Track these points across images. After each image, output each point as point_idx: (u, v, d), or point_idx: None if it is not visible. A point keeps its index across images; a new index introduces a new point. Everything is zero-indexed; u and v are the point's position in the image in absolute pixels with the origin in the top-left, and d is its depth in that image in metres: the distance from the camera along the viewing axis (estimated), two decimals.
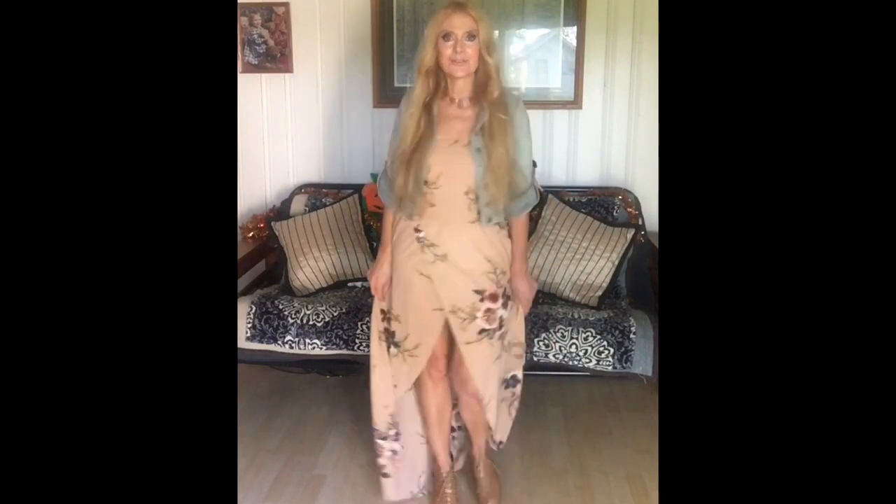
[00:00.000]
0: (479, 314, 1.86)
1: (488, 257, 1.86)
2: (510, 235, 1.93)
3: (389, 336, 1.98)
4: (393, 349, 1.97)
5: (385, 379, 2.00)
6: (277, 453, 2.41)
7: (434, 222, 1.84)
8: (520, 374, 2.05)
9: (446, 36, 1.78)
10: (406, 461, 2.12)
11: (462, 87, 1.85)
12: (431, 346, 1.91)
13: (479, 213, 1.83)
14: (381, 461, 2.08)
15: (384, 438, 2.06)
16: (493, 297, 1.87)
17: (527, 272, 1.98)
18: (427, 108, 1.84)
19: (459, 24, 1.77)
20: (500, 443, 2.10)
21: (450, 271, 1.85)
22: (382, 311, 2.00)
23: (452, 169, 1.81)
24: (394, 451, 2.08)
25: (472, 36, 1.77)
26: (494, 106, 1.80)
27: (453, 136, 1.83)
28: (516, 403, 2.09)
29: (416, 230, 1.86)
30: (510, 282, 1.93)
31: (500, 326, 1.90)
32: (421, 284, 1.87)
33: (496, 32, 2.96)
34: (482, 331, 1.87)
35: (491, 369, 1.91)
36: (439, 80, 1.86)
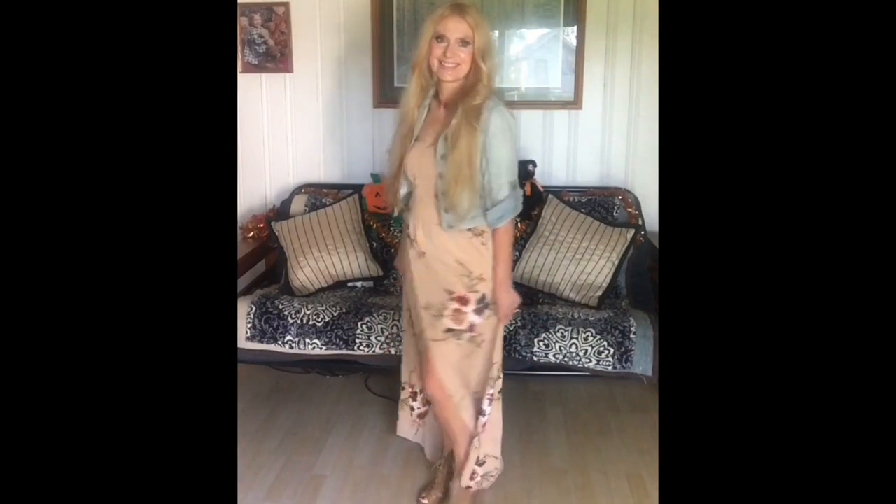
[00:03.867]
0: (447, 312, 1.84)
1: (460, 260, 1.83)
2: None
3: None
4: (407, 332, 2.08)
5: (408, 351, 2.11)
6: (277, 453, 2.41)
7: (416, 221, 1.88)
8: (487, 408, 1.93)
9: (440, 38, 1.74)
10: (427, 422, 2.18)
11: (449, 91, 1.81)
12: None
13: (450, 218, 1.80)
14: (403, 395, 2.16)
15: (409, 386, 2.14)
16: (463, 300, 1.83)
17: (509, 284, 1.89)
18: (420, 108, 1.86)
19: (454, 28, 1.73)
20: (468, 487, 1.98)
21: (426, 269, 1.88)
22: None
23: (422, 171, 1.83)
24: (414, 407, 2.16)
25: (465, 42, 1.73)
26: (469, 112, 1.73)
27: (429, 139, 1.82)
28: (477, 444, 1.95)
29: (406, 226, 1.94)
30: (493, 291, 1.86)
31: (471, 330, 1.85)
32: (409, 277, 1.95)
33: (496, 34, 3.00)
34: (448, 329, 1.85)
35: (457, 367, 1.88)
36: (432, 79, 1.84)
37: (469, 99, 1.75)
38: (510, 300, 1.89)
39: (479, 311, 1.86)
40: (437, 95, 1.86)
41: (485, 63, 1.75)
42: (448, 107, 1.82)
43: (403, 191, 1.91)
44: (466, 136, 1.73)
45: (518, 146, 3.11)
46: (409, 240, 1.91)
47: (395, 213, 2.02)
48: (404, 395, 2.16)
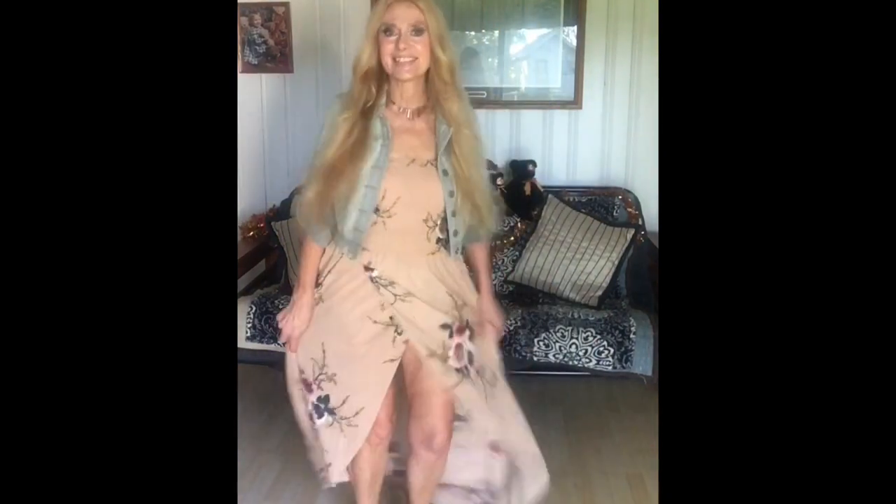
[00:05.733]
0: (451, 353, 1.60)
1: (451, 290, 1.63)
2: (466, 262, 1.71)
3: (320, 402, 1.63)
4: (326, 418, 1.63)
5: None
6: (277, 453, 2.41)
7: (389, 257, 1.57)
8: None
9: (388, 30, 1.48)
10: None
11: (409, 93, 1.56)
12: (376, 410, 1.60)
13: (442, 242, 1.61)
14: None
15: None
16: (460, 331, 1.63)
17: (493, 299, 1.77)
18: (364, 115, 1.53)
19: (403, 15, 1.48)
20: None
21: (414, 311, 1.58)
22: (301, 372, 1.67)
23: (412, 194, 1.54)
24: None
25: (419, 30, 1.48)
26: (457, 120, 1.54)
27: (408, 153, 1.55)
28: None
29: (368, 268, 1.58)
30: (472, 313, 1.69)
31: (471, 362, 1.64)
32: (370, 334, 1.58)
33: (496, 34, 2.99)
34: (457, 370, 1.60)
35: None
36: (381, 84, 1.55)
37: (447, 104, 1.55)
38: (501, 314, 1.78)
39: (470, 338, 1.65)
40: (389, 103, 1.58)
41: (444, 53, 1.51)
42: (409, 114, 1.58)
43: (355, 222, 1.53)
44: (471, 148, 1.57)
45: (518, 146, 3.14)
46: (372, 286, 1.57)
47: (352, 255, 1.57)
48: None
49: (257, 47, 3.15)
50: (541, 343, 2.38)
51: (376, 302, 1.58)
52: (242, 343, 2.50)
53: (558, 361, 2.38)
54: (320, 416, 1.64)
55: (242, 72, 3.16)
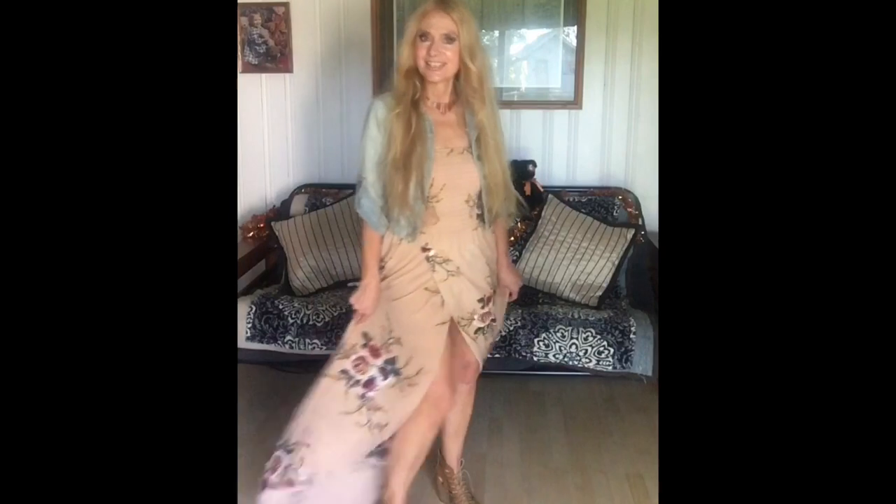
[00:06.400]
0: (477, 316, 1.84)
1: (488, 261, 1.86)
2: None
3: (387, 364, 1.83)
4: (390, 379, 1.82)
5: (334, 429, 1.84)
6: None
7: (443, 237, 1.77)
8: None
9: (423, 36, 1.67)
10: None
11: (440, 90, 1.76)
12: (434, 370, 1.79)
13: (480, 218, 1.81)
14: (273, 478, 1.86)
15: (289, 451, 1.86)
16: (490, 300, 1.87)
17: (511, 264, 2.04)
18: (415, 108, 1.72)
19: (437, 24, 1.65)
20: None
21: (461, 284, 1.80)
22: (366, 336, 1.85)
23: (455, 180, 1.75)
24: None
25: (450, 38, 1.66)
26: (483, 124, 1.74)
27: (446, 144, 1.75)
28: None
29: (425, 249, 1.77)
30: (501, 276, 1.96)
31: (493, 321, 1.90)
32: (425, 300, 1.79)
33: (496, 34, 3.00)
34: (478, 330, 1.85)
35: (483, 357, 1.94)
36: (422, 80, 1.74)
37: (475, 109, 1.73)
38: (518, 277, 2.00)
39: (493, 301, 1.90)
40: (425, 97, 1.76)
41: (473, 63, 1.69)
42: (451, 107, 1.79)
43: (412, 209, 1.72)
44: (495, 146, 1.76)
45: (518, 146, 3.14)
46: (427, 265, 1.77)
47: (411, 239, 1.77)
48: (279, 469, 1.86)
49: (257, 47, 3.15)
50: (541, 343, 2.38)
51: (430, 276, 1.78)
52: (242, 343, 2.50)
53: (558, 361, 2.38)
54: (385, 378, 1.82)
55: (242, 72, 3.16)
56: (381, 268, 1.82)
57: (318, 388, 1.88)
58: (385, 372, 1.83)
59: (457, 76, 1.74)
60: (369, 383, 1.83)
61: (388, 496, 1.90)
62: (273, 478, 1.87)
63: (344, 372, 1.85)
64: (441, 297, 1.79)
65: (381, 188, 1.74)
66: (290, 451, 1.87)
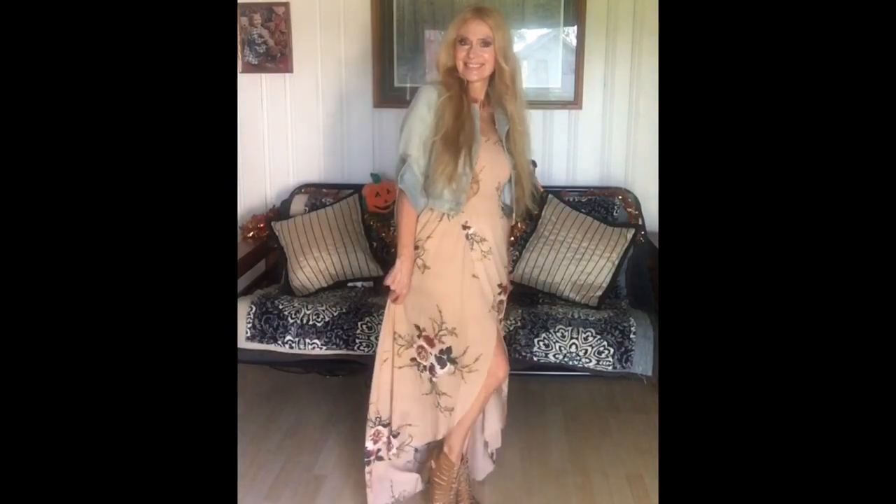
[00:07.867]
0: (496, 302, 1.95)
1: (506, 250, 1.99)
2: None
3: (443, 354, 1.89)
4: (448, 367, 1.90)
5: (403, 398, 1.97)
6: (277, 453, 2.41)
7: (481, 217, 1.89)
8: None
9: (462, 41, 1.83)
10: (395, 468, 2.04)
11: (476, 88, 1.90)
12: (491, 354, 1.89)
13: (507, 209, 1.95)
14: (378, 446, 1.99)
15: (385, 425, 1.99)
16: (505, 290, 2.00)
17: None
18: (466, 93, 1.87)
19: (475, 30, 1.82)
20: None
21: (492, 267, 1.91)
22: (418, 329, 1.91)
23: (492, 164, 1.88)
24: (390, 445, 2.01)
25: (486, 43, 1.83)
26: (513, 117, 1.91)
27: (485, 133, 1.90)
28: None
29: (465, 227, 1.88)
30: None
31: (502, 314, 2.03)
32: (475, 288, 1.89)
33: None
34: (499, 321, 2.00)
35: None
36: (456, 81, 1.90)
37: (506, 103, 1.89)
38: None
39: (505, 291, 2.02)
40: (465, 94, 1.91)
41: (507, 64, 1.85)
42: (484, 105, 1.93)
43: (458, 185, 1.83)
44: (522, 141, 1.93)
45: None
46: (467, 242, 1.87)
47: (454, 213, 1.87)
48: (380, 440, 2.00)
49: (257, 47, 3.15)
50: (541, 343, 2.38)
51: (469, 258, 1.88)
52: (242, 343, 2.50)
53: (558, 361, 2.38)
54: (443, 367, 1.91)
55: (242, 72, 3.16)
56: (417, 247, 1.89)
57: (397, 380, 1.97)
58: (442, 361, 1.92)
59: (491, 77, 1.89)
60: (431, 369, 1.94)
61: (448, 449, 1.99)
62: (389, 454, 2.01)
63: (413, 360, 1.95)
64: (483, 285, 1.90)
65: (424, 166, 1.84)
66: (396, 436, 2.00)
